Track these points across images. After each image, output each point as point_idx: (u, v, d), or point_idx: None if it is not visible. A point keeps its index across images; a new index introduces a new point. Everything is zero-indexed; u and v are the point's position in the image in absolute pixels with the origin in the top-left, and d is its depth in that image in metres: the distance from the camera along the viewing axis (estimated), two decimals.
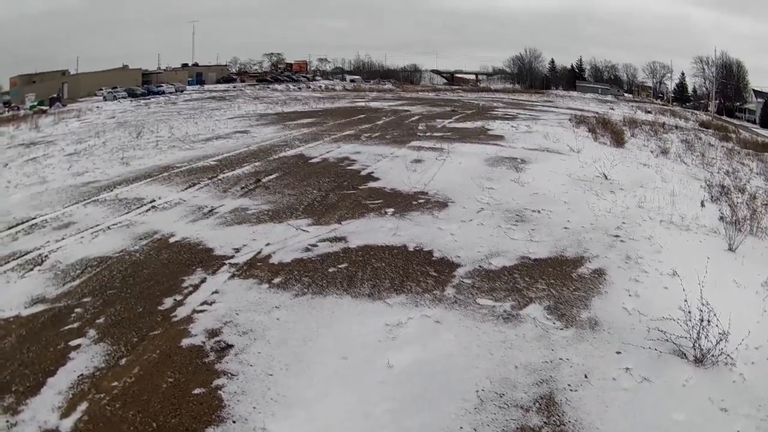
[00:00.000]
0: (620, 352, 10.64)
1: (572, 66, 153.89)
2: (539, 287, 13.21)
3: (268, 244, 15.93)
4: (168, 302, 12.68)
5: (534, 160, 27.91)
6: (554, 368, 10.12)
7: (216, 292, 13.08)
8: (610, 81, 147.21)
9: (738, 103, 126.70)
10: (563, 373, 9.99)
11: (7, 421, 9.03)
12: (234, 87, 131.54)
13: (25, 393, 9.71)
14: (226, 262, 14.88)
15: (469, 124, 43.82)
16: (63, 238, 17.34)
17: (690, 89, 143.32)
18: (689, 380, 9.93)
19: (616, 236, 16.71)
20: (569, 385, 9.69)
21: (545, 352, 10.57)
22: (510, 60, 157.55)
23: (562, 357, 10.44)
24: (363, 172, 24.84)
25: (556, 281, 13.58)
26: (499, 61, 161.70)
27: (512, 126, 42.61)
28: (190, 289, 13.33)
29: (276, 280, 13.58)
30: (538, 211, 18.83)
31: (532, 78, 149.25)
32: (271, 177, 24.30)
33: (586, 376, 9.91)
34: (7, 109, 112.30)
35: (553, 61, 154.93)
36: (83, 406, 9.23)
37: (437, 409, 9.05)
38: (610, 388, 9.66)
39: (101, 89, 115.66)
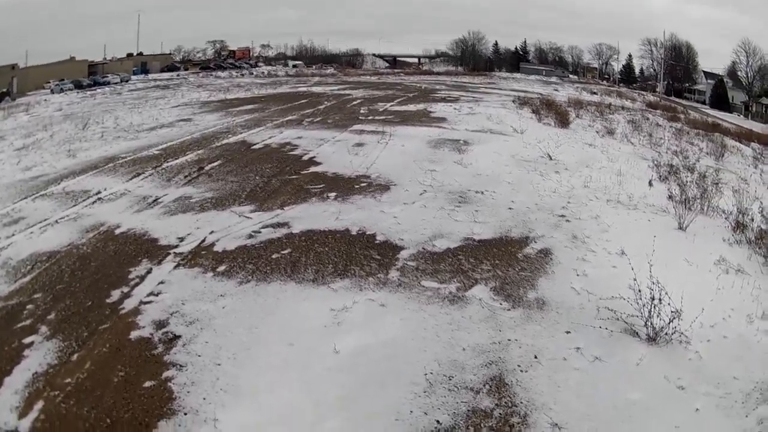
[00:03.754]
0: (570, 332, 10.66)
1: (516, 48, 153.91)
2: (484, 268, 13.19)
3: (212, 232, 15.78)
4: (116, 295, 12.47)
5: (477, 141, 27.86)
6: (503, 349, 10.11)
7: (162, 282, 12.91)
8: (555, 63, 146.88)
9: (687, 84, 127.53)
10: (512, 354, 9.98)
11: None
12: (178, 75, 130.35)
13: None
14: (171, 251, 14.70)
15: (411, 107, 43.64)
16: (13, 234, 17.01)
17: (637, 71, 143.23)
18: (643, 359, 9.96)
19: (562, 216, 16.78)
20: (519, 366, 9.69)
21: (493, 333, 10.56)
22: (453, 43, 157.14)
23: (511, 338, 10.43)
24: (305, 157, 24.66)
25: (502, 262, 13.56)
26: (442, 45, 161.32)
27: (455, 108, 42.45)
28: (137, 280, 13.13)
29: (220, 268, 13.45)
30: (482, 192, 18.80)
31: (475, 60, 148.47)
32: (213, 164, 24.09)
33: (536, 357, 9.91)
34: None
35: (496, 44, 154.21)
36: (39, 404, 9.08)
37: (386, 394, 9.02)
38: (561, 368, 9.66)
39: (49, 82, 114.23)
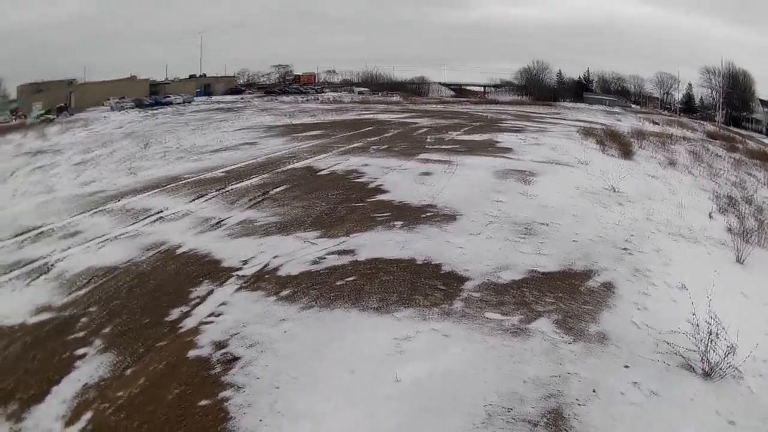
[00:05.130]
0: (629, 366, 10.62)
1: (579, 77, 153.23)
2: (548, 301, 13.16)
3: (275, 257, 15.89)
4: (175, 313, 12.69)
5: (542, 172, 27.80)
6: (562, 382, 10.09)
7: (223, 303, 13.08)
8: (618, 92, 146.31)
9: (745, 113, 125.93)
10: (571, 387, 9.96)
11: (11, 429, 9.07)
12: (242, 98, 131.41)
13: (29, 401, 9.79)
14: (234, 273, 14.87)
15: (477, 137, 43.65)
16: (69, 248, 17.43)
17: (697, 100, 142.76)
18: (697, 394, 9.95)
19: (625, 249, 16.70)
20: (577, 399, 9.66)
21: (553, 366, 10.53)
22: (518, 72, 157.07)
23: (571, 371, 10.40)
24: (371, 185, 24.74)
25: (565, 295, 13.52)
26: (507, 73, 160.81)
27: (520, 138, 42.52)
28: (197, 300, 13.34)
29: (284, 293, 13.55)
30: (547, 224, 18.75)
31: (539, 90, 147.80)
32: (279, 189, 24.29)
33: (594, 390, 9.88)
34: (14, 117, 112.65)
35: (560, 73, 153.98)
36: (87, 415, 9.27)
37: (444, 424, 9.03)
38: (618, 402, 9.65)
39: (109, 99, 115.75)
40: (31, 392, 10.03)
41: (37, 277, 15.33)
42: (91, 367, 10.67)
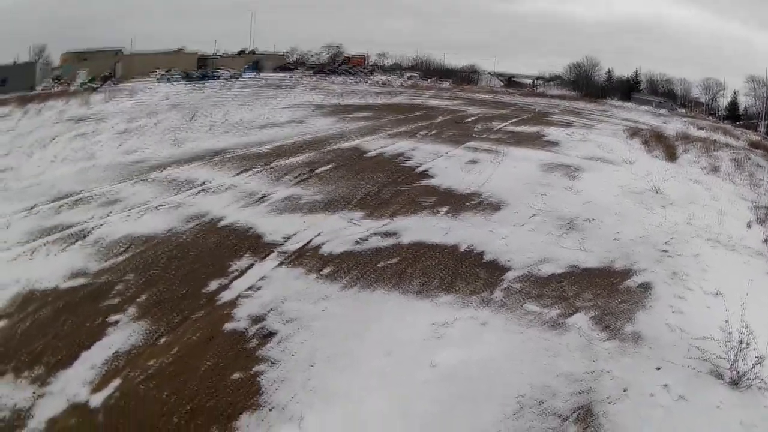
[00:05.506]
0: (660, 368, 10.53)
1: (628, 77, 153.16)
2: (586, 297, 13.11)
3: (318, 234, 15.95)
4: (213, 285, 12.73)
5: (588, 168, 27.85)
6: (595, 379, 10.04)
7: (263, 278, 13.10)
8: (665, 95, 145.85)
9: None
10: (603, 385, 9.91)
11: (34, 392, 9.05)
12: (291, 76, 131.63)
13: (56, 365, 9.80)
14: (276, 249, 14.91)
15: (525, 128, 43.81)
16: (108, 215, 17.51)
17: (741, 108, 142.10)
18: (723, 402, 9.82)
19: (665, 251, 16.54)
20: (608, 397, 9.60)
21: (587, 363, 10.48)
22: (568, 67, 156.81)
23: (604, 369, 10.34)
24: (418, 169, 24.83)
25: (603, 292, 13.45)
26: (556, 67, 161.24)
27: (567, 133, 42.54)
28: (237, 273, 13.37)
29: (325, 271, 13.58)
30: (590, 221, 18.71)
31: (588, 86, 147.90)
32: (325, 168, 24.38)
33: (625, 390, 9.81)
34: (57, 84, 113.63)
35: (610, 71, 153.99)
36: (116, 382, 9.28)
37: (476, 413, 9.01)
38: (647, 404, 9.58)
39: (155, 70, 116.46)
40: (59, 357, 10.04)
41: (74, 243, 15.37)
42: (124, 334, 10.69)
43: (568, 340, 11.13)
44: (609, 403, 9.45)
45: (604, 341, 11.22)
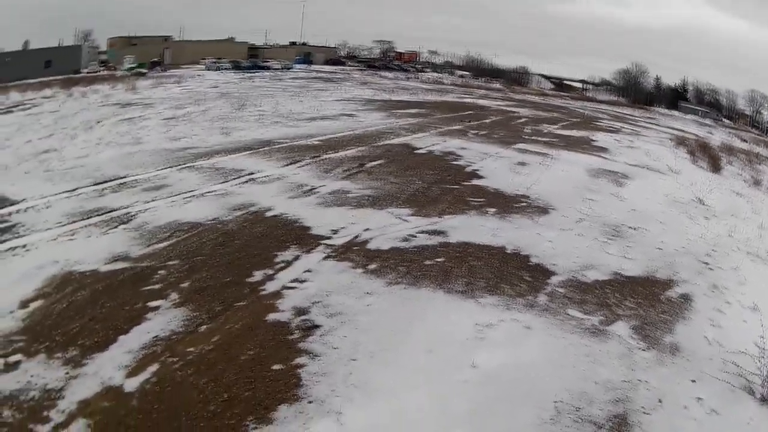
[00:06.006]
0: (695, 381, 10.56)
1: (675, 85, 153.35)
2: (628, 305, 13.17)
3: (366, 230, 16.03)
4: (258, 275, 12.76)
5: (634, 176, 28.36)
6: (632, 389, 10.06)
7: (309, 270, 13.15)
8: (711, 105, 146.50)
9: None
10: (640, 395, 9.93)
11: (67, 373, 9.09)
12: (342, 70, 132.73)
13: (91, 348, 9.79)
14: (322, 242, 14.98)
15: (574, 133, 44.66)
16: (153, 200, 17.65)
17: None
18: (753, 418, 9.86)
19: (706, 263, 16.71)
20: (643, 407, 9.61)
21: (626, 372, 10.52)
22: (617, 73, 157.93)
23: (641, 378, 10.38)
24: (467, 169, 25.16)
25: (645, 301, 13.53)
26: (604, 72, 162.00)
27: (615, 139, 43.68)
28: (282, 264, 13.42)
29: (371, 266, 13.61)
30: (635, 228, 18.91)
31: (636, 93, 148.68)
32: (374, 163, 24.61)
33: (660, 401, 9.83)
34: (103, 68, 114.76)
35: (658, 79, 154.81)
36: (153, 367, 9.27)
37: (514, 416, 9.00)
38: (680, 416, 9.59)
39: (205, 58, 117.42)
40: (96, 339, 10.05)
41: (116, 227, 15.46)
42: (164, 320, 10.71)
43: (609, 348, 11.19)
44: (644, 413, 9.49)
45: (643, 351, 11.31)
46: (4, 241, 14.34)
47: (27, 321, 10.65)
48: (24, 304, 11.23)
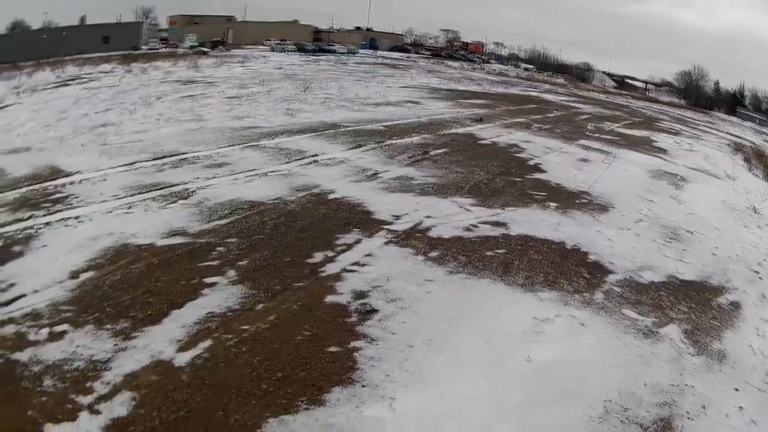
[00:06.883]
0: (738, 390, 10.55)
1: (734, 91, 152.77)
2: (681, 309, 13.17)
3: (429, 217, 16.04)
4: (318, 257, 12.83)
5: (693, 179, 28.40)
6: (679, 393, 10.07)
7: (369, 254, 13.20)
8: (767, 112, 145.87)
9: None
10: (685, 400, 9.94)
11: (115, 345, 9.14)
12: (408, 57, 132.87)
13: (143, 321, 9.86)
14: (384, 227, 15.03)
15: (636, 132, 44.62)
16: (214, 177, 17.84)
17: None
18: None
19: (757, 272, 16.67)
20: (688, 412, 9.62)
21: (674, 376, 10.53)
22: (677, 74, 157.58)
23: (688, 383, 10.38)
24: (530, 162, 25.30)
25: (697, 306, 13.53)
26: (664, 73, 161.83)
27: (675, 141, 43.54)
28: (344, 247, 13.49)
29: (432, 254, 13.63)
30: (691, 232, 18.89)
31: (696, 96, 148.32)
32: (439, 151, 24.70)
33: (704, 407, 9.83)
34: (164, 46, 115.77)
35: (717, 83, 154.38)
36: (206, 343, 9.31)
37: (564, 412, 9.02)
38: (722, 424, 9.60)
39: (269, 40, 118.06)
40: (149, 312, 10.12)
41: (175, 202, 15.62)
42: (221, 296, 10.77)
43: (660, 351, 11.21)
44: (688, 418, 9.51)
45: (692, 356, 11.33)
46: (57, 211, 14.54)
47: (76, 291, 10.77)
48: (74, 275, 11.37)
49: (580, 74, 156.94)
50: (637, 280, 14.20)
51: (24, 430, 7.48)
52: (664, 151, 36.49)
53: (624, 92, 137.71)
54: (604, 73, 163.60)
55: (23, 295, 10.57)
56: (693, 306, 13.43)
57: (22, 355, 8.90)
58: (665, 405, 9.65)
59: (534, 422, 8.70)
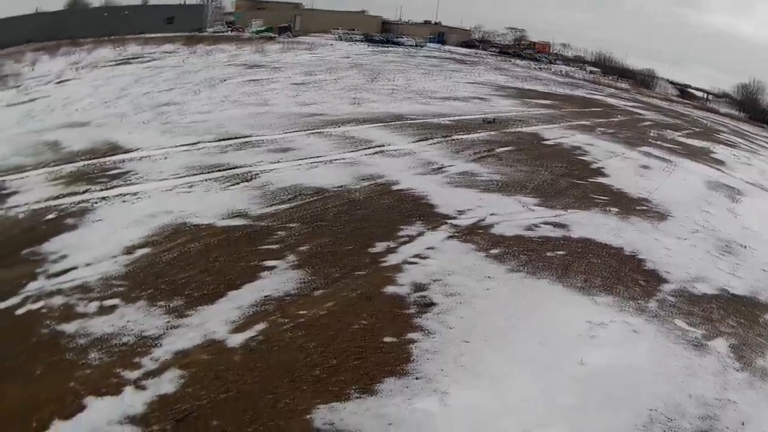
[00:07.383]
0: None
1: None
2: (729, 323, 12.99)
3: (492, 214, 16.01)
4: (380, 247, 12.88)
5: (749, 194, 28.01)
6: (721, 407, 9.93)
7: (431, 248, 13.19)
8: None
9: None
10: (727, 415, 9.79)
11: (168, 322, 9.20)
12: (475, 53, 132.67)
13: (198, 300, 9.96)
14: (447, 221, 15.02)
15: (695, 142, 44.22)
16: (278, 161, 17.98)
17: None
18: None
19: None
20: (728, 428, 9.51)
21: (719, 390, 10.38)
22: (736, 86, 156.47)
23: (731, 398, 10.23)
24: (593, 165, 25.13)
25: (746, 321, 13.33)
26: (723, 83, 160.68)
27: (733, 154, 43.08)
28: (406, 239, 13.52)
29: (494, 251, 13.59)
30: (745, 247, 18.68)
31: (754, 109, 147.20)
32: (504, 149, 24.59)
33: (743, 423, 9.69)
34: (230, 29, 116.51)
35: None
36: (261, 326, 9.37)
37: (612, 417, 8.98)
38: None
39: (336, 29, 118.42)
40: (204, 292, 10.22)
41: (237, 184, 15.76)
42: (279, 280, 10.84)
43: (707, 363, 11.09)
44: None
45: (737, 371, 11.19)
46: (114, 186, 14.76)
47: (130, 267, 10.97)
48: (129, 250, 11.58)
49: (643, 80, 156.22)
50: (691, 291, 14.12)
51: (63, 401, 7.57)
52: (722, 162, 36.27)
53: (686, 101, 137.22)
54: (667, 80, 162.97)
55: (74, 268, 10.81)
56: (741, 321, 13.33)
57: (69, 327, 9.07)
58: (707, 418, 9.60)
59: (582, 426, 8.69)
